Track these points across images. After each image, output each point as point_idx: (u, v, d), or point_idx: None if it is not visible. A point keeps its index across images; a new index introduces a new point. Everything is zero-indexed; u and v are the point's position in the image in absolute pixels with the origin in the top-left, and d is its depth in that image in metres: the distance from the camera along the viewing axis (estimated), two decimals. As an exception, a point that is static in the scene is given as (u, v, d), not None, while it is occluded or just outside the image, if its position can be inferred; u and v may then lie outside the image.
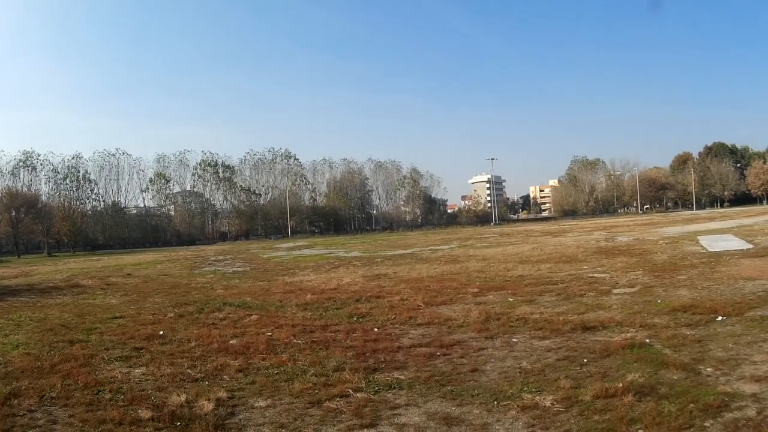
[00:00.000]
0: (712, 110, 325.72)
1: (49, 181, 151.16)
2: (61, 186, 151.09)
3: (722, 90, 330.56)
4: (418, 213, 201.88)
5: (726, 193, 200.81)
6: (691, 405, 10.16)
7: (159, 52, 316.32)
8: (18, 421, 11.36)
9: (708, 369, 12.28)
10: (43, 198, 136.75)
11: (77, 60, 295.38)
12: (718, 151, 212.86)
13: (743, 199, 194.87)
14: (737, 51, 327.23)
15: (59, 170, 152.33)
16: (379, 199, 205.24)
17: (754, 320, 16.69)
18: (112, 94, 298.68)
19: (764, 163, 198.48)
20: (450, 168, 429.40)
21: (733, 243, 42.15)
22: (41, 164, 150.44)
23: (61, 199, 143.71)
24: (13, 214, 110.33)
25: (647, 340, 15.09)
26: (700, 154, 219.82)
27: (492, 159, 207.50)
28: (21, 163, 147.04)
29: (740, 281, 24.14)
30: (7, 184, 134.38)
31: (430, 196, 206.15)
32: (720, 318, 17.19)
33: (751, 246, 38.97)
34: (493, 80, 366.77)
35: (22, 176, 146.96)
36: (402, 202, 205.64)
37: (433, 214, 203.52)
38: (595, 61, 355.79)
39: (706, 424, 9.41)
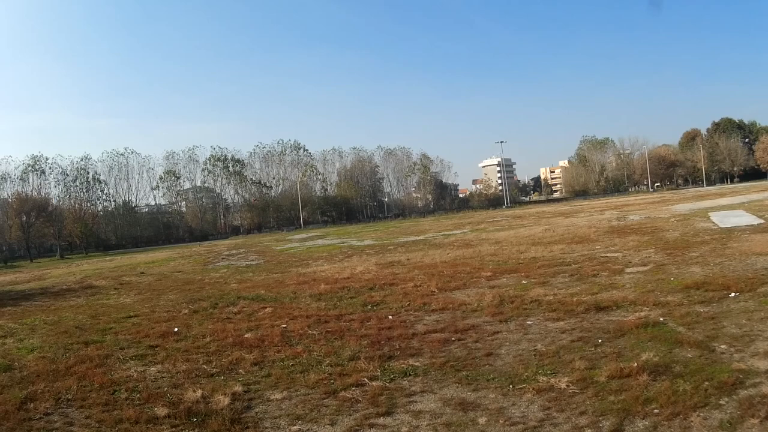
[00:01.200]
0: (719, 86, 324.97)
1: (59, 184, 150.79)
2: (71, 188, 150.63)
3: (728, 65, 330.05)
4: (430, 199, 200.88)
5: (735, 168, 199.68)
6: (706, 383, 10.18)
7: (163, 48, 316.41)
8: (35, 425, 11.43)
9: (722, 346, 12.31)
10: (54, 201, 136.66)
11: (81, 60, 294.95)
12: (725, 127, 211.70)
13: (753, 174, 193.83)
14: (743, 26, 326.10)
15: (68, 172, 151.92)
16: (390, 186, 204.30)
17: (766, 296, 16.69)
18: (117, 93, 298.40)
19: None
20: (460, 152, 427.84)
21: (744, 218, 42.10)
22: (50, 167, 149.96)
23: (72, 201, 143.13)
24: (24, 218, 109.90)
25: (661, 319, 15.11)
26: (708, 130, 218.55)
27: (501, 142, 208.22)
28: (30, 168, 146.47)
29: (752, 257, 24.14)
30: (16, 189, 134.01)
31: (441, 181, 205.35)
32: (733, 294, 17.20)
33: (762, 221, 38.90)
34: (500, 63, 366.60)
35: (31, 180, 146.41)
36: (413, 189, 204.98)
37: (445, 199, 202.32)
38: (602, 40, 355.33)
39: (722, 401, 9.43)
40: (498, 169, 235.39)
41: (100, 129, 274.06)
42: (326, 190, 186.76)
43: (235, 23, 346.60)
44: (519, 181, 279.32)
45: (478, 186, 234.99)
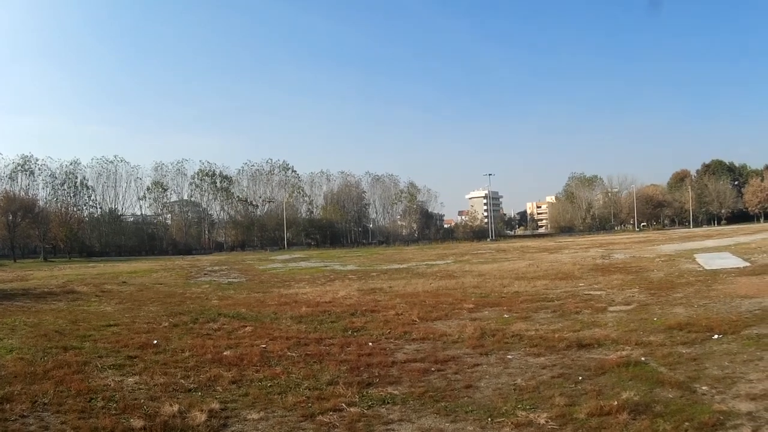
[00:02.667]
0: (710, 127, 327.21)
1: (47, 186, 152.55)
2: (59, 191, 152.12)
3: (721, 107, 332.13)
4: (415, 227, 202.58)
5: (723, 210, 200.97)
6: (686, 423, 10.13)
7: (159, 59, 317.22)
8: (10, 426, 11.30)
9: (704, 387, 12.26)
10: (41, 203, 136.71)
11: (77, 66, 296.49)
12: (716, 169, 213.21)
13: (740, 216, 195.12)
14: (736, 68, 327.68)
15: (57, 176, 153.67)
16: (376, 212, 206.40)
17: (750, 338, 16.69)
18: (111, 100, 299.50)
19: (762, 180, 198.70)
20: (447, 183, 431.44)
21: (729, 261, 42.19)
22: (39, 169, 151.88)
23: (59, 204, 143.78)
24: (10, 218, 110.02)
25: (643, 358, 15.05)
26: (698, 171, 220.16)
27: (489, 174, 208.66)
28: (19, 167, 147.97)
29: (737, 299, 24.14)
30: (4, 188, 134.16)
31: (427, 210, 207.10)
32: (716, 336, 17.18)
33: (747, 264, 39.01)
34: (492, 96, 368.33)
35: (20, 180, 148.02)
36: (399, 216, 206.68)
37: (430, 228, 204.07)
38: (594, 78, 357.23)
39: (702, 442, 9.38)
40: (485, 201, 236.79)
41: (91, 134, 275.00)
42: (312, 212, 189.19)
43: (233, 39, 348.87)
44: (505, 214, 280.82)
45: (463, 217, 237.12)
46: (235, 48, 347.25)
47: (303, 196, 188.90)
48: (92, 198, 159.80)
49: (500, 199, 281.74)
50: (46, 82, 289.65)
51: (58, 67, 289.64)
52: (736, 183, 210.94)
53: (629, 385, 12.71)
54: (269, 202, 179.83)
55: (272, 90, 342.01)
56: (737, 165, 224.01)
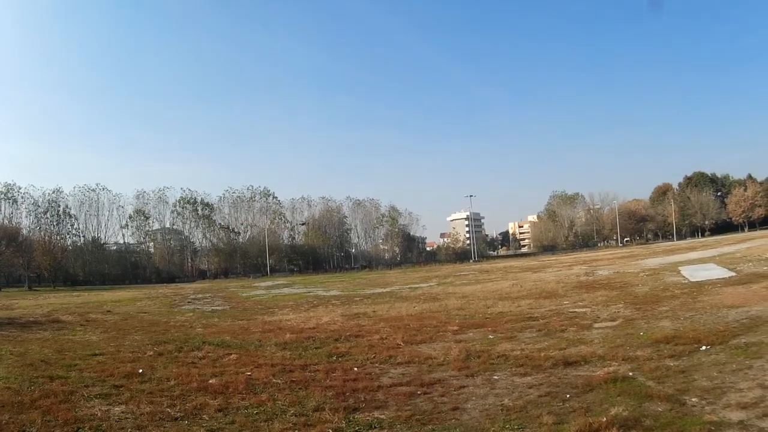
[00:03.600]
0: (691, 140, 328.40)
1: (30, 215, 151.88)
2: (42, 220, 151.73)
3: (701, 119, 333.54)
4: (397, 251, 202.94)
5: (707, 222, 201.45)
6: (677, 436, 10.02)
7: (140, 87, 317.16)
8: (-2, 457, 11.21)
9: (693, 399, 12.28)
10: (24, 231, 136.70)
11: (59, 93, 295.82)
12: (698, 181, 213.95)
13: (724, 227, 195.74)
14: (714, 79, 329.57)
15: (40, 204, 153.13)
16: (358, 237, 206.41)
17: (738, 348, 16.76)
18: (92, 128, 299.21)
19: (745, 190, 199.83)
20: (428, 205, 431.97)
21: (714, 272, 42.31)
22: (22, 197, 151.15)
23: (42, 233, 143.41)
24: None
25: (630, 373, 15.05)
26: (680, 184, 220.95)
27: (470, 196, 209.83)
28: (2, 195, 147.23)
29: (723, 309, 24.24)
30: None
31: (409, 233, 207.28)
32: (704, 347, 17.24)
33: (733, 274, 39.19)
34: (470, 117, 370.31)
35: (3, 209, 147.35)
36: (381, 240, 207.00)
37: (412, 251, 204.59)
38: (571, 95, 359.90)
39: (693, 454, 9.32)
40: (466, 222, 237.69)
41: (73, 162, 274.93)
42: (294, 238, 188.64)
43: (214, 67, 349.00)
44: (487, 235, 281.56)
45: (445, 239, 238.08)
46: (216, 76, 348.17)
47: (284, 222, 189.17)
48: (75, 226, 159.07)
49: (482, 220, 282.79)
50: (28, 109, 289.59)
51: (40, 94, 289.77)
52: (719, 194, 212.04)
53: (617, 400, 12.68)
54: (252, 226, 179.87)
55: (252, 117, 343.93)
56: (719, 176, 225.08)
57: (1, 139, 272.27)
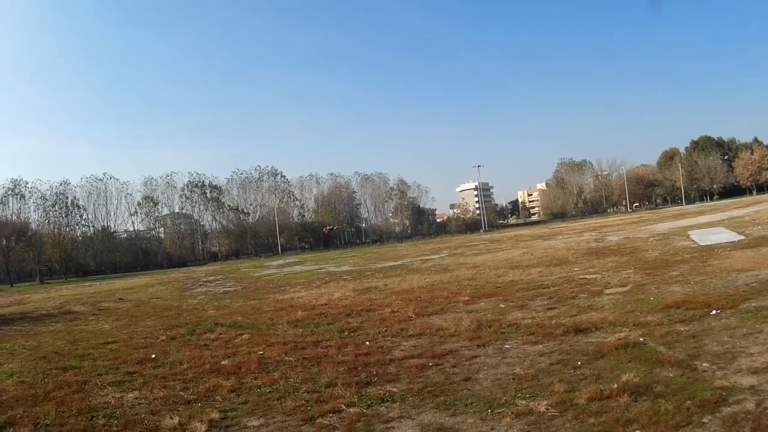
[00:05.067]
0: (696, 104, 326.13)
1: (38, 209, 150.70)
2: (50, 213, 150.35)
3: (706, 84, 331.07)
4: (407, 224, 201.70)
5: (715, 186, 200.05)
6: (688, 402, 10.10)
7: (143, 73, 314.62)
8: (13, 450, 11.25)
9: (704, 364, 12.24)
10: (33, 225, 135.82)
11: (62, 84, 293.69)
12: (704, 145, 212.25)
13: (732, 191, 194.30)
14: (720, 45, 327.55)
15: (47, 197, 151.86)
16: (368, 212, 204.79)
17: (748, 312, 16.68)
18: (96, 117, 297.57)
19: (752, 154, 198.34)
20: (437, 177, 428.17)
21: (724, 236, 42.16)
22: (29, 192, 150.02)
23: (51, 226, 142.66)
24: (4, 242, 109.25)
25: (641, 339, 15.04)
26: (686, 148, 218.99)
27: (479, 166, 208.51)
28: (9, 192, 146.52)
29: (733, 273, 24.13)
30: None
31: (419, 206, 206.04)
32: (714, 312, 17.18)
33: (742, 237, 39.01)
34: (475, 87, 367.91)
35: (11, 204, 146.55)
36: (390, 214, 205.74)
37: (422, 224, 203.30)
38: (576, 62, 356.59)
39: (705, 420, 9.35)
40: (475, 193, 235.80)
41: (79, 153, 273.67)
42: (304, 216, 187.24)
43: (217, 48, 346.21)
44: (497, 204, 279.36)
45: (455, 210, 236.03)
46: (218, 57, 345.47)
47: (294, 200, 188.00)
48: (84, 217, 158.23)
49: (491, 190, 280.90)
50: (31, 103, 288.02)
51: (42, 87, 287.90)
52: (725, 158, 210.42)
53: (628, 367, 12.71)
54: (261, 206, 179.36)
55: (257, 97, 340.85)
56: (726, 140, 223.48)
57: (7, 135, 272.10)
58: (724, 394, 10.28)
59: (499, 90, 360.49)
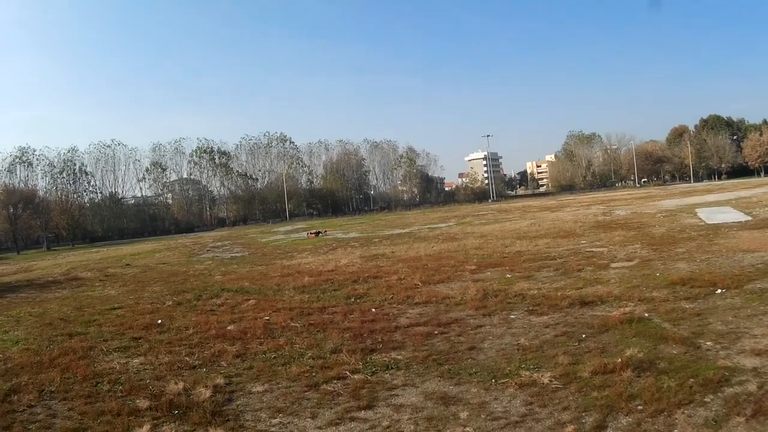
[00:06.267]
0: (707, 83, 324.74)
1: (46, 176, 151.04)
2: (58, 180, 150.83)
3: (717, 63, 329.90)
4: (416, 192, 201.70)
5: (723, 165, 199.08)
6: (691, 380, 10.12)
7: (150, 41, 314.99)
8: (18, 417, 11.43)
9: (708, 343, 12.25)
10: (41, 193, 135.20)
11: (68, 54, 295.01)
12: (713, 124, 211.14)
13: (740, 171, 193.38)
14: (731, 25, 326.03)
15: (55, 164, 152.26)
16: (377, 179, 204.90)
17: (753, 293, 16.64)
18: (105, 85, 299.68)
19: (761, 135, 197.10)
20: (446, 146, 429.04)
21: (731, 215, 42.05)
22: (37, 159, 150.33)
23: (59, 192, 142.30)
24: (11, 210, 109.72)
25: (646, 314, 15.06)
26: (696, 127, 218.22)
27: (488, 136, 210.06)
28: (17, 160, 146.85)
29: (739, 253, 24.07)
30: (3, 181, 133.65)
31: (427, 174, 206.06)
32: (719, 291, 17.14)
33: (749, 218, 38.89)
34: (487, 57, 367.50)
35: (18, 172, 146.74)
36: (399, 182, 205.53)
37: (431, 192, 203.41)
38: (589, 35, 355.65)
39: (707, 399, 9.36)
40: (484, 163, 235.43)
41: (87, 122, 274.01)
42: (312, 182, 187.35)
43: (222, 16, 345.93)
44: (505, 175, 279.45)
45: (464, 180, 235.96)
46: (226, 25, 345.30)
47: (302, 166, 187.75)
48: (92, 183, 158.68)
49: (500, 160, 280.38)
50: (39, 72, 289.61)
51: (49, 56, 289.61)
52: (734, 138, 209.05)
53: (633, 342, 12.74)
54: (269, 172, 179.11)
55: (265, 65, 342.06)
56: (735, 120, 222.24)
57: (15, 104, 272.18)
58: (726, 374, 10.28)
59: (511, 59, 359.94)
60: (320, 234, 64.70)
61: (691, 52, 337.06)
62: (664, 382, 10.10)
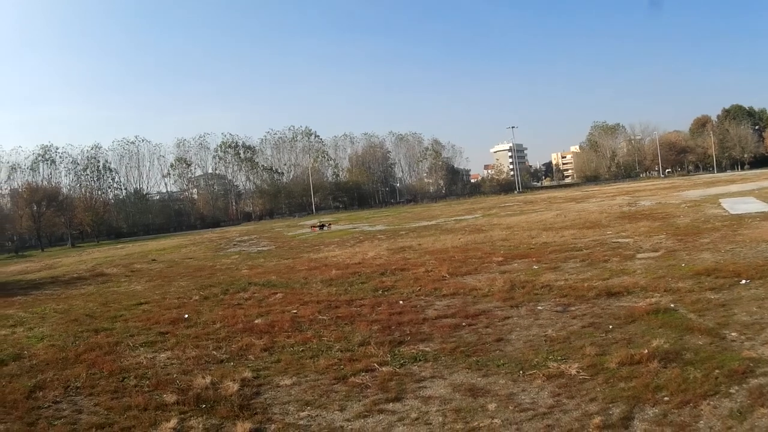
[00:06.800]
0: (729, 73, 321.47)
1: (69, 173, 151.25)
2: (82, 177, 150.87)
3: (738, 53, 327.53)
4: (442, 184, 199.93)
5: (746, 155, 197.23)
6: (716, 371, 10.14)
7: (172, 38, 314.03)
8: (43, 413, 11.52)
9: (732, 334, 12.26)
10: (64, 190, 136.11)
11: (90, 51, 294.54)
12: (736, 114, 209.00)
13: (763, 161, 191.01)
14: (753, 14, 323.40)
15: (79, 161, 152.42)
16: (402, 171, 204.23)
17: (777, 283, 16.53)
18: (129, 82, 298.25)
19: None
20: (471, 138, 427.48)
21: (754, 205, 41.91)
22: (60, 157, 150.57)
23: (83, 189, 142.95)
24: (35, 208, 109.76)
25: (672, 305, 15.08)
26: (718, 116, 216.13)
27: (513, 127, 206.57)
28: (40, 158, 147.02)
29: (763, 244, 23.96)
30: (26, 179, 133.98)
31: (453, 166, 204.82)
32: (743, 281, 17.11)
33: (772, 208, 38.60)
34: (511, 48, 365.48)
35: (41, 170, 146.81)
36: (425, 174, 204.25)
37: (457, 184, 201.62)
38: (612, 25, 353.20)
39: (732, 390, 9.38)
40: (509, 154, 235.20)
41: (111, 119, 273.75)
42: (338, 175, 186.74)
43: (249, 9, 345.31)
44: (530, 166, 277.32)
45: (489, 171, 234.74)
46: (248, 20, 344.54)
47: (328, 160, 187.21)
48: (116, 180, 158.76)
49: (525, 151, 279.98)
50: (61, 70, 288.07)
51: (71, 53, 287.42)
52: (757, 128, 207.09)
53: (659, 332, 12.75)
54: (295, 166, 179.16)
55: (288, 59, 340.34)
56: (757, 110, 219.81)
57: (37, 101, 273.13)
58: (751, 365, 10.29)
59: (534, 51, 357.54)
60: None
61: (713, 41, 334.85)
62: (690, 373, 10.13)
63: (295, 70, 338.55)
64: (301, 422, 10.06)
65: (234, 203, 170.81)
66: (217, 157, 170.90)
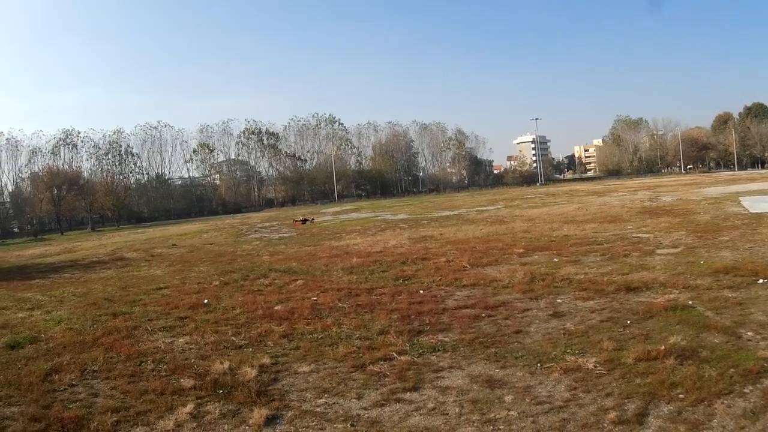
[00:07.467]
0: (750, 69, 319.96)
1: (91, 158, 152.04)
2: (103, 161, 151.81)
3: (763, 51, 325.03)
4: (464, 174, 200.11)
5: (766, 154, 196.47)
6: (732, 370, 10.18)
7: (195, 25, 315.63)
8: (59, 396, 11.65)
9: (749, 333, 12.26)
10: (85, 174, 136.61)
11: (114, 37, 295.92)
12: (757, 111, 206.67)
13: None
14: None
15: (101, 146, 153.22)
16: (425, 161, 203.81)
17: (795, 284, 16.52)
18: (151, 70, 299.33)
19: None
20: (495, 129, 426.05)
21: (774, 204, 41.61)
22: (82, 141, 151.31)
23: (104, 174, 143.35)
24: (55, 192, 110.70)
25: (690, 302, 15.08)
26: (740, 113, 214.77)
27: (536, 119, 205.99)
28: (61, 142, 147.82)
29: (782, 243, 23.86)
30: (47, 163, 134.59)
31: (476, 157, 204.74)
32: (761, 281, 17.05)
33: (792, 208, 38.45)
34: (536, 40, 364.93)
35: (62, 154, 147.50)
36: (448, 164, 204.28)
37: (479, 175, 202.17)
38: (636, 19, 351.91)
39: (746, 390, 9.42)
40: (532, 146, 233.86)
41: (134, 106, 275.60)
42: (361, 163, 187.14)
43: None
44: (553, 158, 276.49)
45: (512, 163, 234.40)
46: (271, 10, 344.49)
47: (351, 148, 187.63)
48: (138, 165, 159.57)
49: (548, 144, 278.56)
50: (84, 56, 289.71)
51: (93, 40, 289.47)
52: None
53: (676, 329, 12.81)
54: (318, 153, 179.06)
55: (315, 48, 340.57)
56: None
57: (60, 87, 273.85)
58: (766, 365, 10.30)
59: (559, 43, 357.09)
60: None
61: (736, 36, 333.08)
62: (706, 371, 10.17)
63: (319, 59, 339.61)
64: (318, 409, 10.18)
65: (256, 189, 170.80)
66: (240, 143, 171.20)
